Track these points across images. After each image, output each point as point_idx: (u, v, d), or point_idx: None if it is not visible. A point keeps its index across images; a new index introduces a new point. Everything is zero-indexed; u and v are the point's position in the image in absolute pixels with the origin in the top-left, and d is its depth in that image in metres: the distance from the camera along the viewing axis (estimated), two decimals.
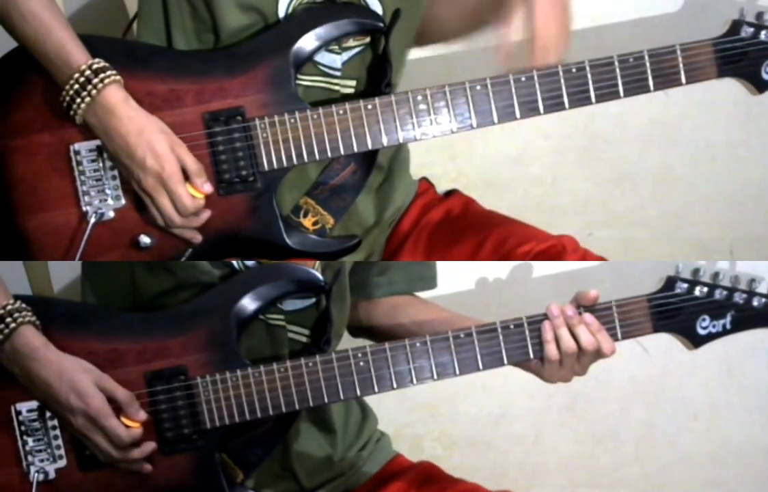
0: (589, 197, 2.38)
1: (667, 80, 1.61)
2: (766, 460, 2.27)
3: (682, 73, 1.61)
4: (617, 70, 1.60)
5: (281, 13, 1.64)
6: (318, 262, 1.67)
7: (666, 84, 1.62)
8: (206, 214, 1.60)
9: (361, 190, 1.72)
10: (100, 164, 1.61)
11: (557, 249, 1.76)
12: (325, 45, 1.64)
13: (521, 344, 1.59)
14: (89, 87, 1.55)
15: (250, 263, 1.64)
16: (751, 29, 1.61)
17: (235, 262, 1.64)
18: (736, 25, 1.61)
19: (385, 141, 1.62)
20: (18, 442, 1.59)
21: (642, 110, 2.32)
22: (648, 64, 1.60)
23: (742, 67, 1.62)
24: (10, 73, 1.63)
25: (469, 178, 2.33)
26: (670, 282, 1.61)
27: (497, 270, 2.14)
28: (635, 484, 2.29)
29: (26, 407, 1.59)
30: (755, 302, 1.60)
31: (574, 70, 1.60)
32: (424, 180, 1.91)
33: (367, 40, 1.68)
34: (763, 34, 1.61)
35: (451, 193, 1.89)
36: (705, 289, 1.61)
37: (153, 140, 1.56)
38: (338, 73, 1.67)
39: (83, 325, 1.60)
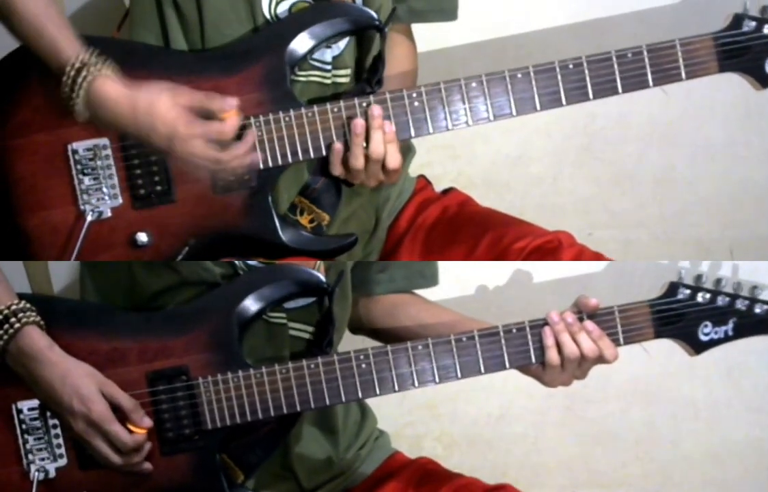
0: (589, 197, 2.38)
1: (667, 75, 1.60)
2: (766, 459, 2.27)
3: (682, 68, 1.60)
4: (615, 66, 1.59)
5: (265, 9, 1.64)
6: (321, 263, 1.67)
7: (665, 79, 1.60)
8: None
9: (350, 186, 1.71)
10: (98, 163, 1.62)
11: (553, 244, 1.76)
12: (320, 44, 1.64)
13: (523, 348, 1.59)
14: (82, 76, 1.54)
15: (252, 263, 1.64)
16: (754, 23, 1.59)
17: (237, 261, 1.64)
18: (738, 19, 1.59)
19: None
20: (19, 441, 1.60)
21: (642, 110, 2.32)
22: (647, 60, 1.59)
23: (745, 62, 1.60)
24: (9, 75, 1.63)
25: (469, 177, 2.33)
26: (673, 288, 1.60)
27: (497, 271, 2.14)
28: (635, 484, 2.29)
29: (27, 406, 1.59)
30: (757, 309, 1.60)
31: (571, 66, 1.60)
32: (422, 177, 1.91)
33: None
34: (766, 28, 1.59)
35: (448, 191, 1.89)
36: (707, 296, 1.60)
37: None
38: (329, 66, 1.68)
39: (85, 324, 1.61)
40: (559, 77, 1.60)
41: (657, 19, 2.18)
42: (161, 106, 1.54)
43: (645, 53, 1.59)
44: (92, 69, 1.55)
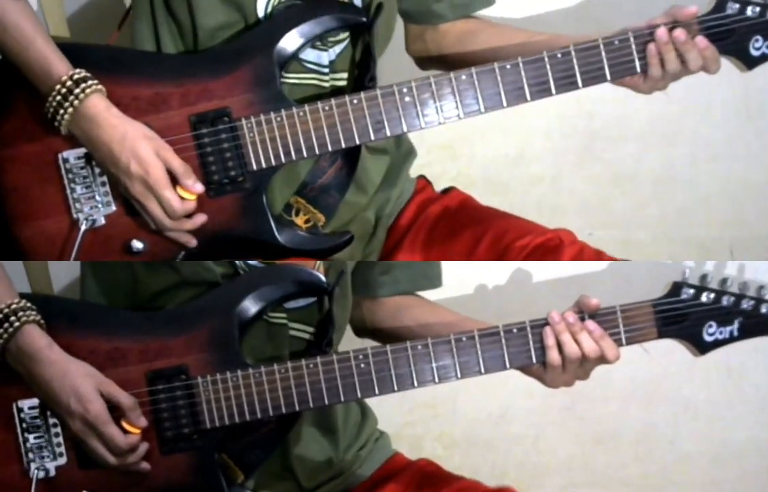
0: (589, 197, 2.38)
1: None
2: (766, 460, 2.27)
3: None
4: (603, 53, 1.59)
5: (260, 12, 1.64)
6: (320, 263, 1.67)
7: None
8: (201, 218, 1.61)
9: (348, 186, 1.71)
10: (89, 171, 1.62)
11: (554, 242, 1.76)
12: (309, 42, 1.63)
13: (524, 348, 1.59)
14: (71, 97, 1.55)
15: (252, 263, 1.64)
16: (737, 5, 1.58)
17: (238, 261, 1.64)
18: (721, 3, 1.58)
19: (372, 136, 1.61)
20: (19, 439, 1.60)
21: (642, 110, 2.32)
22: (633, 46, 1.58)
23: (730, 45, 1.58)
24: None
25: (469, 177, 2.33)
26: (676, 287, 1.59)
27: (497, 270, 2.14)
28: (635, 484, 2.29)
29: (28, 404, 1.59)
30: (763, 309, 1.58)
31: (559, 55, 1.59)
32: (422, 178, 1.90)
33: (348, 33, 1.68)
34: (749, 10, 1.58)
35: (448, 191, 1.89)
36: (712, 295, 1.58)
37: (136, 146, 1.56)
38: (326, 70, 1.67)
39: (85, 323, 1.61)
40: (548, 67, 1.59)
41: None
42: (143, 149, 1.56)
43: (631, 39, 1.59)
44: (90, 83, 1.56)
